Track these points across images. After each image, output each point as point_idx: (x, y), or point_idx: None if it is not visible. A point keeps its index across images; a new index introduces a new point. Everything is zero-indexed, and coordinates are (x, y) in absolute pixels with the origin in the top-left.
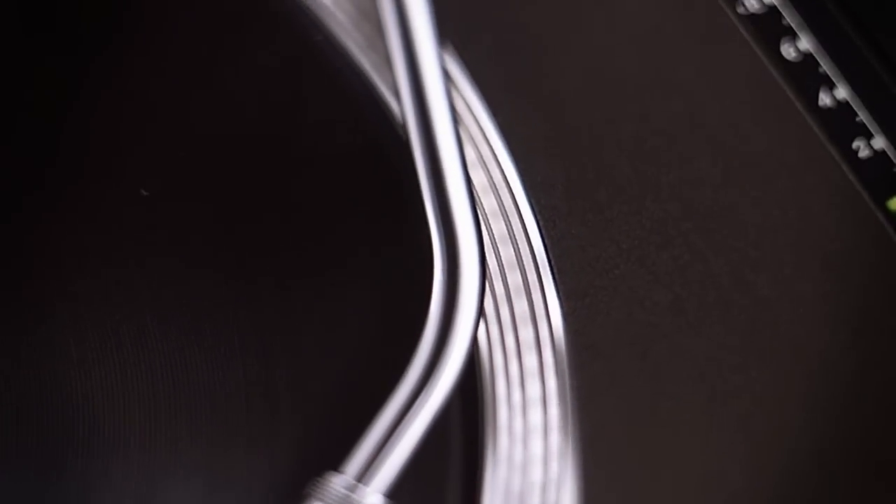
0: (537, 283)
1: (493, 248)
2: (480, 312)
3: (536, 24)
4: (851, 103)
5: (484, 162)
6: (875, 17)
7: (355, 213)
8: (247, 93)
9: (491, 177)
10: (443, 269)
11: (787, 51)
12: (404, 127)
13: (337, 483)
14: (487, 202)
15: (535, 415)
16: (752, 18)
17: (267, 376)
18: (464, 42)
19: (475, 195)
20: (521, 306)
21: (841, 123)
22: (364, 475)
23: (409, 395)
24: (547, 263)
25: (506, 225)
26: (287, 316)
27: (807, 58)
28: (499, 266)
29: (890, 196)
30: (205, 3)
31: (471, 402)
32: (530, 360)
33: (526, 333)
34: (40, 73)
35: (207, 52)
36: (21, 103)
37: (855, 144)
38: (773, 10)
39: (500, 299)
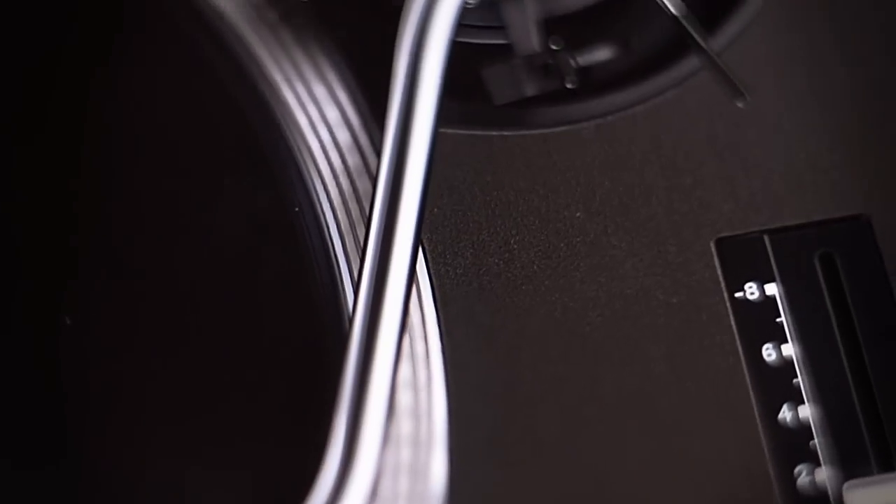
0: None
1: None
2: None
3: (521, 259)
4: (812, 428)
5: (416, 379)
6: (875, 349)
7: (272, 418)
8: (205, 255)
9: (417, 390)
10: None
11: (768, 352)
12: (350, 328)
13: None
14: (406, 400)
15: None
16: (746, 305)
17: None
18: (442, 255)
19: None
20: None
21: (793, 445)
22: None
23: None
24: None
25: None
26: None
27: (785, 366)
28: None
29: None
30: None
31: None
32: None
33: None
34: None
35: (173, 207)
36: None
37: (797, 469)
38: (770, 302)
39: None
